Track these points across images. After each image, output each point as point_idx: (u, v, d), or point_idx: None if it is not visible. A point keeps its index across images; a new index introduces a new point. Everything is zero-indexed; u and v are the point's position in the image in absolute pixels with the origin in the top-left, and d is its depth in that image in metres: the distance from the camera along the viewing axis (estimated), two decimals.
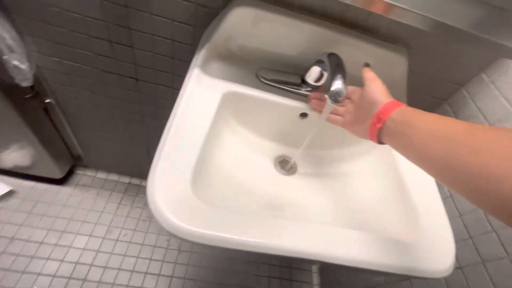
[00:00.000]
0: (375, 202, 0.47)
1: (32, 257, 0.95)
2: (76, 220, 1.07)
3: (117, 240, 1.06)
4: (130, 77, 0.72)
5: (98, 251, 1.01)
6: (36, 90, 0.78)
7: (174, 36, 0.60)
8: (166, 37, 0.60)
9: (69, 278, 0.94)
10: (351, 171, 0.54)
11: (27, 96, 0.77)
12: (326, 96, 0.41)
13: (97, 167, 1.20)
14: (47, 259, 0.96)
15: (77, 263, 0.97)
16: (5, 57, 0.65)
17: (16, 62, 0.67)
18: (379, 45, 0.53)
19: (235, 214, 0.35)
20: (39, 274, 0.93)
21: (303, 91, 0.54)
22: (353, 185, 0.53)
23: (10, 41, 0.64)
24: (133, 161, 1.13)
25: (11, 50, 0.65)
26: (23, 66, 0.68)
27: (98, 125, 0.93)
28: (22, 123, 0.81)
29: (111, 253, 1.02)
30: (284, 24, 0.51)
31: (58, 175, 1.09)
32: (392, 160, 0.49)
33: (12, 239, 0.97)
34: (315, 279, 1.18)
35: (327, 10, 0.51)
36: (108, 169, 1.20)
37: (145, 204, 1.17)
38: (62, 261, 0.97)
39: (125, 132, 0.96)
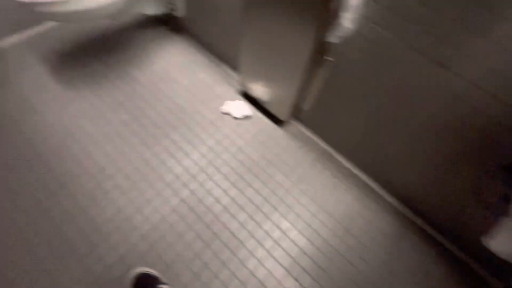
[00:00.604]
0: None
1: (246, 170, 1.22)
2: (280, 158, 1.27)
3: (303, 192, 1.19)
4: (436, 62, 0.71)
5: (286, 191, 1.18)
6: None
7: None
8: None
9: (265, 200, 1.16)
10: None
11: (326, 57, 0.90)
12: None
13: (307, 125, 1.34)
14: (256, 177, 1.21)
15: (268, 195, 1.18)
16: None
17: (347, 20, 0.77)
18: None
19: None
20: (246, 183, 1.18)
21: None
22: None
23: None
24: (342, 136, 1.20)
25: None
26: (349, 26, 0.78)
27: (343, 95, 1.01)
28: (307, 71, 0.98)
29: (297, 200, 1.17)
30: None
31: (283, 117, 1.30)
32: None
33: (224, 149, 1.27)
34: None
35: None
36: (315, 131, 1.33)
37: (333, 176, 1.25)
38: (264, 184, 1.19)
39: (355, 112, 1.01)
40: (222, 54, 1.50)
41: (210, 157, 1.23)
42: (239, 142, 1.29)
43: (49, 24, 1.54)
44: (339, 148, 1.28)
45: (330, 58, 0.94)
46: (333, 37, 0.82)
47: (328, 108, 1.15)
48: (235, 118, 1.35)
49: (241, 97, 1.42)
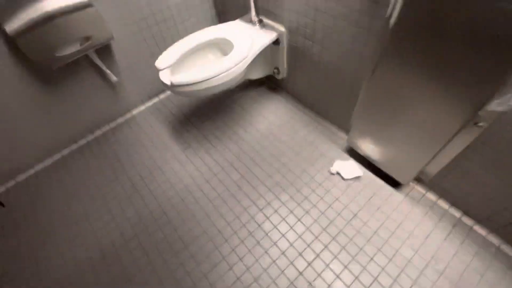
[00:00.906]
0: None
1: (368, 242, 1.10)
2: (402, 228, 1.11)
3: (439, 272, 1.00)
4: None
5: (420, 271, 1.00)
6: None
7: None
8: None
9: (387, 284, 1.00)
10: None
11: (478, 124, 0.79)
12: None
13: (434, 189, 1.17)
14: (379, 250, 1.07)
15: (393, 272, 1.01)
16: None
17: None
18: None
19: None
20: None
21: None
22: None
23: None
24: (490, 208, 0.99)
25: None
26: None
27: (497, 163, 0.85)
28: (450, 138, 0.87)
29: (434, 283, 0.98)
30: None
31: (404, 181, 1.16)
32: None
33: (337, 215, 1.16)
34: None
35: None
36: (446, 197, 1.15)
37: (478, 254, 1.02)
38: (390, 260, 1.04)
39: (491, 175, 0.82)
40: (324, 111, 1.49)
41: (322, 223, 1.15)
42: (352, 207, 1.19)
43: (169, 92, 1.80)
44: (485, 221, 1.06)
45: (482, 124, 0.82)
46: (499, 106, 0.71)
47: (470, 174, 0.98)
48: (344, 179, 1.27)
49: (347, 156, 1.35)
